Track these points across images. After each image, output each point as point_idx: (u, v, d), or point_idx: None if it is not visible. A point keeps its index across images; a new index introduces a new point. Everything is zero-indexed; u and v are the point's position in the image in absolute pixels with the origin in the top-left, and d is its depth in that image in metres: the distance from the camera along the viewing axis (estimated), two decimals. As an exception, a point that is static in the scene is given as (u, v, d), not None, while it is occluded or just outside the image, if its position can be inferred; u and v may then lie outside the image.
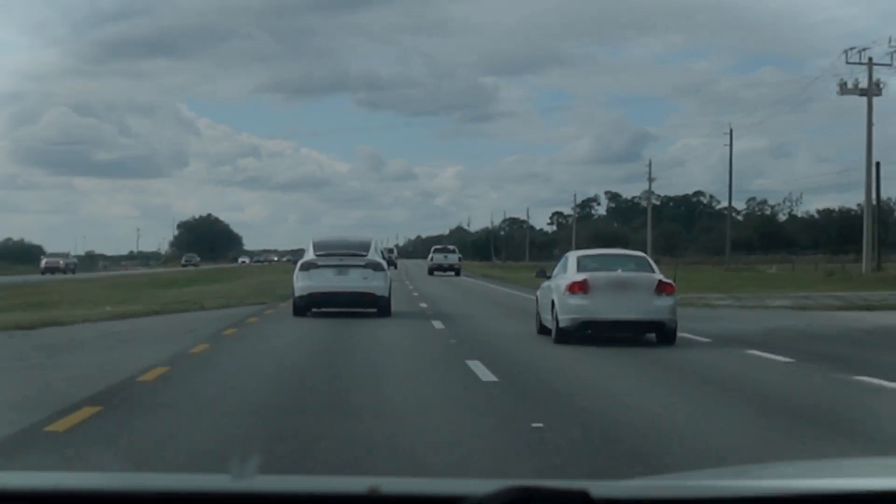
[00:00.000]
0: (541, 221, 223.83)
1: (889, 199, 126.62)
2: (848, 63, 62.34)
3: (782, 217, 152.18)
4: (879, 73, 63.51)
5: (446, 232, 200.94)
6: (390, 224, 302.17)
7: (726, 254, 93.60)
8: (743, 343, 19.77)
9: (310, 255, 26.86)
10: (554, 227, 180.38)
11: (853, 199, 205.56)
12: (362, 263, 26.36)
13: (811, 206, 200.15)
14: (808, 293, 43.46)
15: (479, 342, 19.57)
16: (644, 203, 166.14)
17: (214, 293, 41.29)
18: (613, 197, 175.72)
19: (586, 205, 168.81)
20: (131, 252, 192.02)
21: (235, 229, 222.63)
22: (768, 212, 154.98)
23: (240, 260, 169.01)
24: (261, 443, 8.66)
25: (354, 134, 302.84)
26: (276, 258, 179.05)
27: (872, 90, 63.17)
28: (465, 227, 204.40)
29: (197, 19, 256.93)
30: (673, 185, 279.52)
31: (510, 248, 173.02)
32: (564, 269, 20.53)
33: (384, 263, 27.41)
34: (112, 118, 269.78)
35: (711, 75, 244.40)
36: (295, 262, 31.39)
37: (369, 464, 7.95)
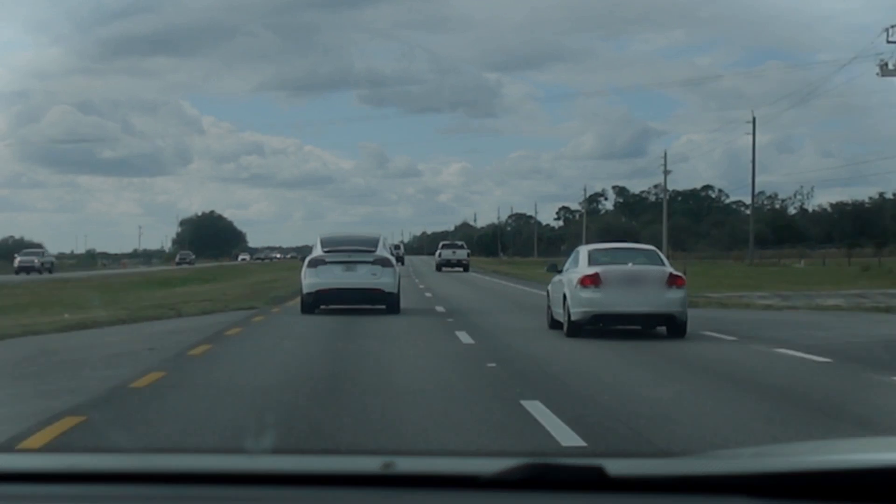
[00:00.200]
0: (546, 217, 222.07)
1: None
2: (889, 42, 57.14)
3: (792, 211, 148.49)
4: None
5: (452, 228, 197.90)
6: (395, 220, 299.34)
7: (750, 248, 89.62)
8: (877, 364, 14.81)
9: (318, 252, 26.03)
10: (561, 223, 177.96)
11: (860, 193, 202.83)
12: (371, 260, 25.57)
13: (815, 200, 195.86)
14: (860, 290, 40.14)
15: (498, 345, 17.79)
16: (652, 197, 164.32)
17: (203, 295, 36.25)
18: (621, 191, 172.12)
19: (593, 199, 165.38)
20: (135, 250, 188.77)
21: (240, 226, 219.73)
22: (777, 206, 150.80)
23: (240, 257, 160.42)
24: None
25: (358, 131, 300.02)
26: (278, 255, 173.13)
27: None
28: (472, 222, 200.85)
29: (201, 17, 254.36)
30: (678, 180, 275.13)
31: (517, 243, 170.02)
32: (576, 263, 20.41)
33: (393, 259, 26.58)
34: (116, 116, 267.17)
35: (715, 70, 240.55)
36: (301, 259, 30.59)
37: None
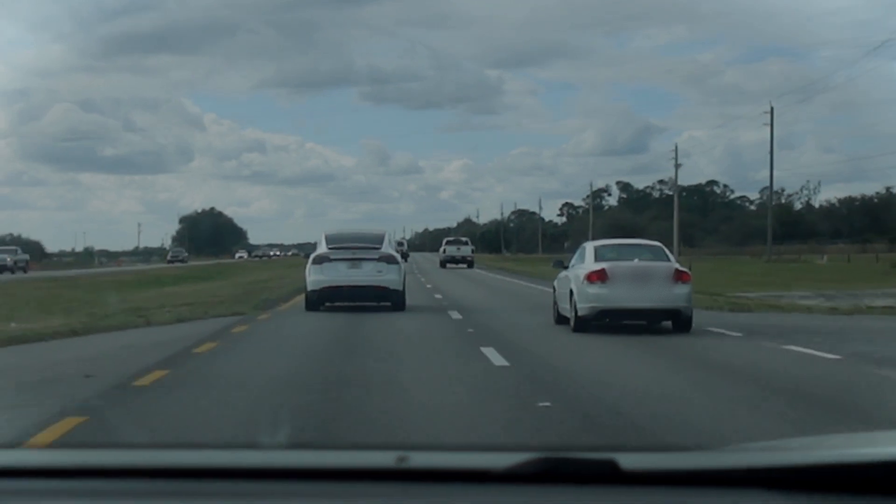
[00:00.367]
0: (548, 214, 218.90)
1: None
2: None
3: (798, 206, 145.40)
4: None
5: (454, 224, 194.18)
6: (397, 217, 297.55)
7: (768, 245, 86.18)
8: None
9: (322, 249, 25.58)
10: (564, 219, 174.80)
11: (860, 189, 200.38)
12: (376, 257, 25.06)
13: (819, 196, 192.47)
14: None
15: (537, 366, 13.81)
16: (656, 193, 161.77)
17: (189, 296, 32.20)
18: (625, 187, 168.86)
19: (597, 195, 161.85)
20: (136, 248, 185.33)
21: (240, 223, 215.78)
22: (783, 201, 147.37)
23: (237, 255, 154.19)
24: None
25: (360, 128, 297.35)
26: (277, 252, 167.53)
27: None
28: (474, 219, 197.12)
29: (202, 14, 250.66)
30: (682, 175, 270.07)
31: (521, 240, 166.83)
32: (582, 259, 20.33)
33: (398, 256, 26.05)
34: (118, 114, 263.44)
35: (717, 66, 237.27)
36: (305, 256, 29.76)
37: None
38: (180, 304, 27.12)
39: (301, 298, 26.93)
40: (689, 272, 20.01)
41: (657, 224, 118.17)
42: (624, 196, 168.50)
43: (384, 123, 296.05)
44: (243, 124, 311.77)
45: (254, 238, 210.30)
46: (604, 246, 20.93)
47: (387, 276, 24.97)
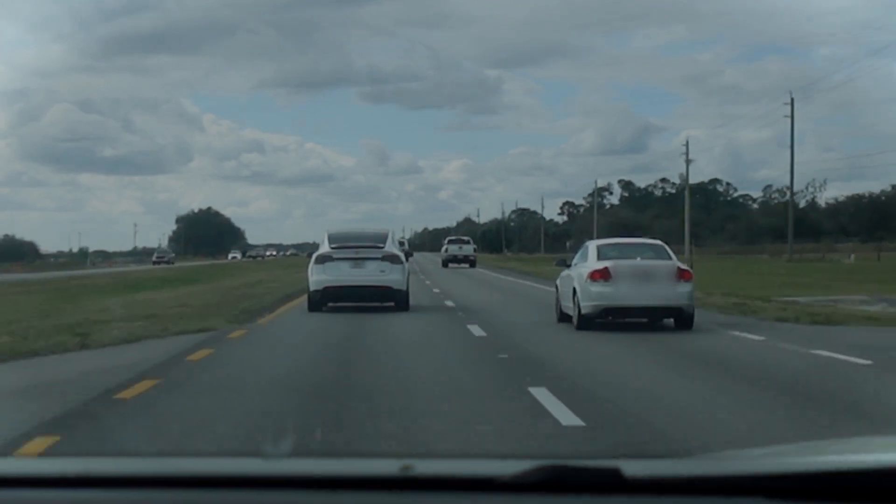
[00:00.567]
0: (548, 213, 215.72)
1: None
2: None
3: (803, 204, 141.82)
4: None
5: (454, 224, 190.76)
6: (397, 217, 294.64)
7: (789, 243, 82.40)
8: None
9: (325, 248, 25.08)
10: (565, 218, 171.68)
11: (861, 187, 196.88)
12: (379, 256, 24.66)
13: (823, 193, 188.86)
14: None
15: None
16: (658, 192, 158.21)
17: (157, 305, 27.51)
18: (627, 186, 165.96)
19: (599, 194, 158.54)
20: (134, 248, 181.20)
21: (240, 224, 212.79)
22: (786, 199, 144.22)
23: (230, 255, 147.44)
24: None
25: (359, 128, 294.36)
26: (274, 252, 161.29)
27: None
28: (474, 218, 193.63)
29: (202, 14, 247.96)
30: (679, 175, 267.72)
31: (522, 239, 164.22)
32: (585, 257, 20.32)
33: (402, 256, 25.40)
34: (117, 114, 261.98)
35: (717, 65, 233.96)
36: (306, 255, 30.99)
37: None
38: (142, 315, 22.29)
39: (289, 307, 25.87)
40: (691, 270, 19.90)
41: (660, 223, 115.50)
42: (626, 195, 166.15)
43: (384, 123, 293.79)
44: (242, 124, 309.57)
45: (253, 238, 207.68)
46: (606, 245, 20.97)
47: (390, 276, 24.42)
